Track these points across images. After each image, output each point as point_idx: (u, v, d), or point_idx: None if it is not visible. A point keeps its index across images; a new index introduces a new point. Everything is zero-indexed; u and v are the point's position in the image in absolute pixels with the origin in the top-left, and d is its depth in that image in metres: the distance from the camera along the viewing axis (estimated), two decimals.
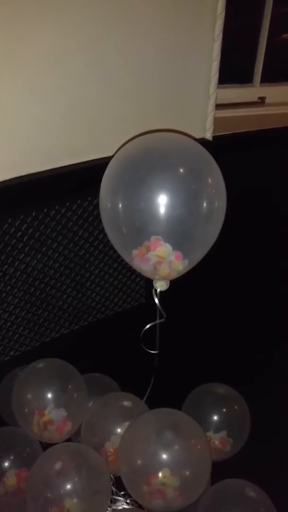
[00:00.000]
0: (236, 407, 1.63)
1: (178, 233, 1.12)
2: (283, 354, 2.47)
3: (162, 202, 1.09)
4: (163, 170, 1.11)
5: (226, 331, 2.42)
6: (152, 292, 1.29)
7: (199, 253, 1.22)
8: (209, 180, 1.16)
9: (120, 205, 1.15)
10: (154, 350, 1.41)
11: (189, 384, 1.72)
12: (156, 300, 1.28)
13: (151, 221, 1.10)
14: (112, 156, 1.27)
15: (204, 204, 1.12)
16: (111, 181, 1.20)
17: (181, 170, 1.12)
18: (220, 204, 1.18)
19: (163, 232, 1.11)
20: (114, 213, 1.17)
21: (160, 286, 1.25)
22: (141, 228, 1.13)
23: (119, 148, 1.24)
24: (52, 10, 1.40)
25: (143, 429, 1.39)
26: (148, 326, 1.33)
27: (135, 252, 1.16)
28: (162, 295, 1.30)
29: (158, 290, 1.26)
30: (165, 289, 1.25)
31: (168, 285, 1.26)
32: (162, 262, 1.15)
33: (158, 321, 1.33)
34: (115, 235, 1.24)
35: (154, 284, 1.26)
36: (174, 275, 1.21)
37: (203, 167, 1.18)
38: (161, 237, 1.12)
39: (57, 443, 1.51)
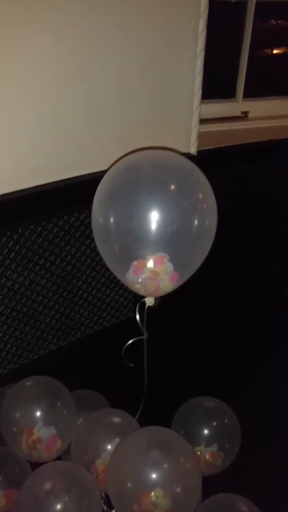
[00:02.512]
0: (226, 421, 1.62)
1: (171, 250, 1.13)
2: (272, 365, 2.48)
3: (154, 218, 1.09)
4: (154, 187, 1.12)
5: (214, 344, 2.43)
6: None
7: (189, 272, 1.23)
8: (200, 196, 1.17)
9: (112, 221, 1.15)
10: (132, 364, 1.39)
11: (178, 398, 1.71)
12: (137, 317, 1.28)
13: (142, 238, 1.10)
14: (99, 172, 1.27)
15: (196, 221, 1.13)
16: (103, 198, 1.21)
17: (173, 187, 1.13)
18: (211, 220, 1.19)
19: (155, 249, 1.12)
20: (106, 228, 1.18)
21: (149, 302, 1.25)
22: (132, 244, 1.13)
23: (112, 165, 1.25)
24: (40, 26, 1.42)
25: (133, 449, 1.38)
26: (129, 342, 1.32)
27: (134, 263, 1.16)
28: (149, 309, 1.29)
29: (147, 305, 1.26)
30: (153, 305, 1.25)
31: (158, 302, 1.26)
32: (154, 278, 1.15)
33: (144, 336, 1.32)
34: (106, 249, 1.24)
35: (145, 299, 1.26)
36: (160, 294, 1.21)
37: (194, 183, 1.19)
38: (167, 256, 1.12)
39: (47, 462, 1.49)
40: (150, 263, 1.13)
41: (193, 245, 1.16)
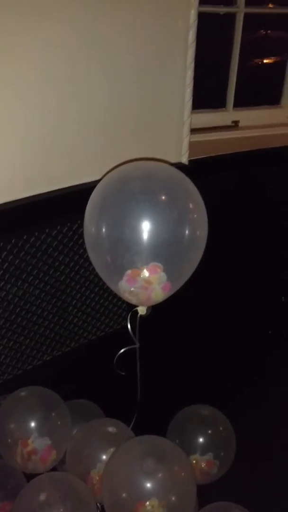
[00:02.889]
0: (221, 428, 1.62)
1: (162, 260, 1.13)
2: (266, 372, 2.49)
3: (145, 228, 1.10)
4: (145, 197, 1.13)
5: (208, 351, 2.43)
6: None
7: (181, 281, 1.24)
8: (191, 206, 1.18)
9: (103, 231, 1.16)
10: (124, 372, 1.39)
11: (173, 407, 1.71)
12: (129, 326, 1.29)
13: (133, 248, 1.11)
14: (91, 182, 1.28)
15: (187, 231, 1.14)
16: (94, 208, 1.22)
17: (163, 197, 1.15)
18: (202, 230, 1.20)
19: (146, 259, 1.12)
20: (98, 238, 1.19)
21: (141, 311, 1.25)
22: (123, 254, 1.14)
23: (104, 175, 1.26)
24: (32, 38, 1.44)
25: (128, 458, 1.38)
26: (121, 351, 1.32)
27: (128, 272, 1.16)
28: (142, 318, 1.30)
29: (139, 314, 1.27)
30: (145, 314, 1.26)
31: (150, 311, 1.26)
32: (146, 288, 1.16)
33: (136, 346, 1.33)
34: (98, 259, 1.25)
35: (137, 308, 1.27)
36: (151, 303, 1.22)
37: (184, 193, 1.20)
38: (162, 266, 1.13)
39: (42, 473, 1.48)
40: (144, 273, 1.14)
41: (184, 255, 1.17)
